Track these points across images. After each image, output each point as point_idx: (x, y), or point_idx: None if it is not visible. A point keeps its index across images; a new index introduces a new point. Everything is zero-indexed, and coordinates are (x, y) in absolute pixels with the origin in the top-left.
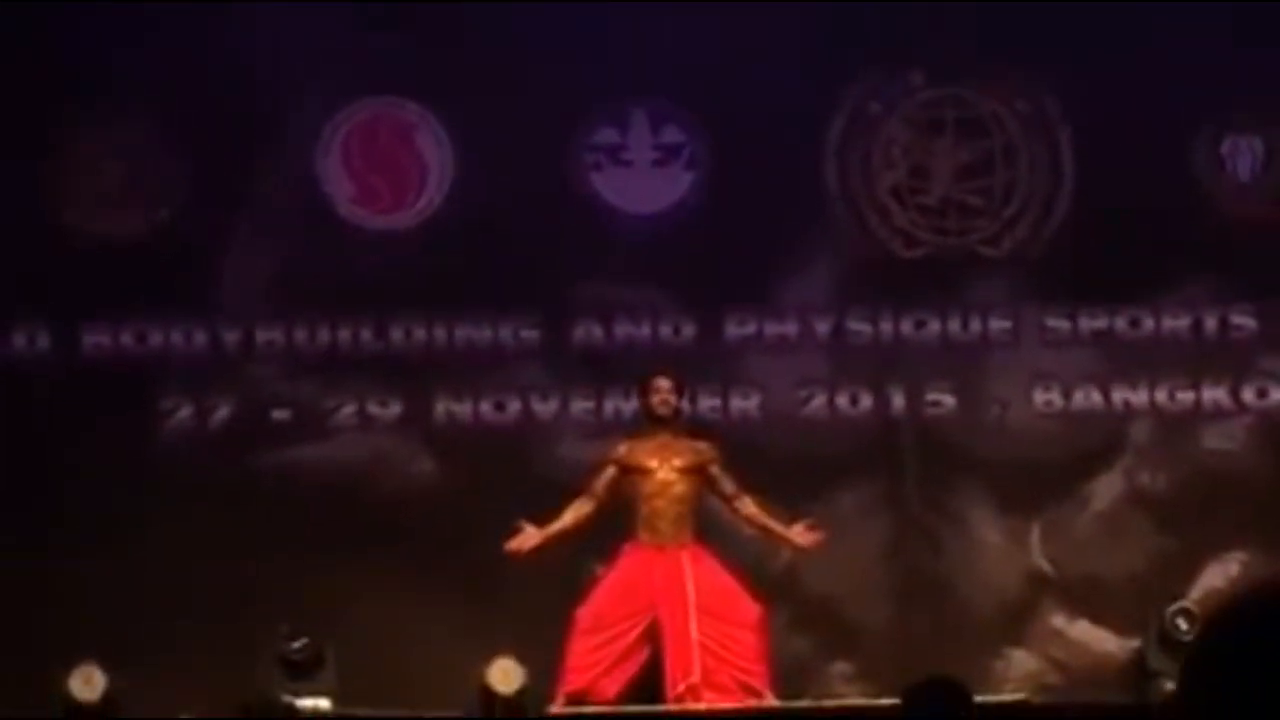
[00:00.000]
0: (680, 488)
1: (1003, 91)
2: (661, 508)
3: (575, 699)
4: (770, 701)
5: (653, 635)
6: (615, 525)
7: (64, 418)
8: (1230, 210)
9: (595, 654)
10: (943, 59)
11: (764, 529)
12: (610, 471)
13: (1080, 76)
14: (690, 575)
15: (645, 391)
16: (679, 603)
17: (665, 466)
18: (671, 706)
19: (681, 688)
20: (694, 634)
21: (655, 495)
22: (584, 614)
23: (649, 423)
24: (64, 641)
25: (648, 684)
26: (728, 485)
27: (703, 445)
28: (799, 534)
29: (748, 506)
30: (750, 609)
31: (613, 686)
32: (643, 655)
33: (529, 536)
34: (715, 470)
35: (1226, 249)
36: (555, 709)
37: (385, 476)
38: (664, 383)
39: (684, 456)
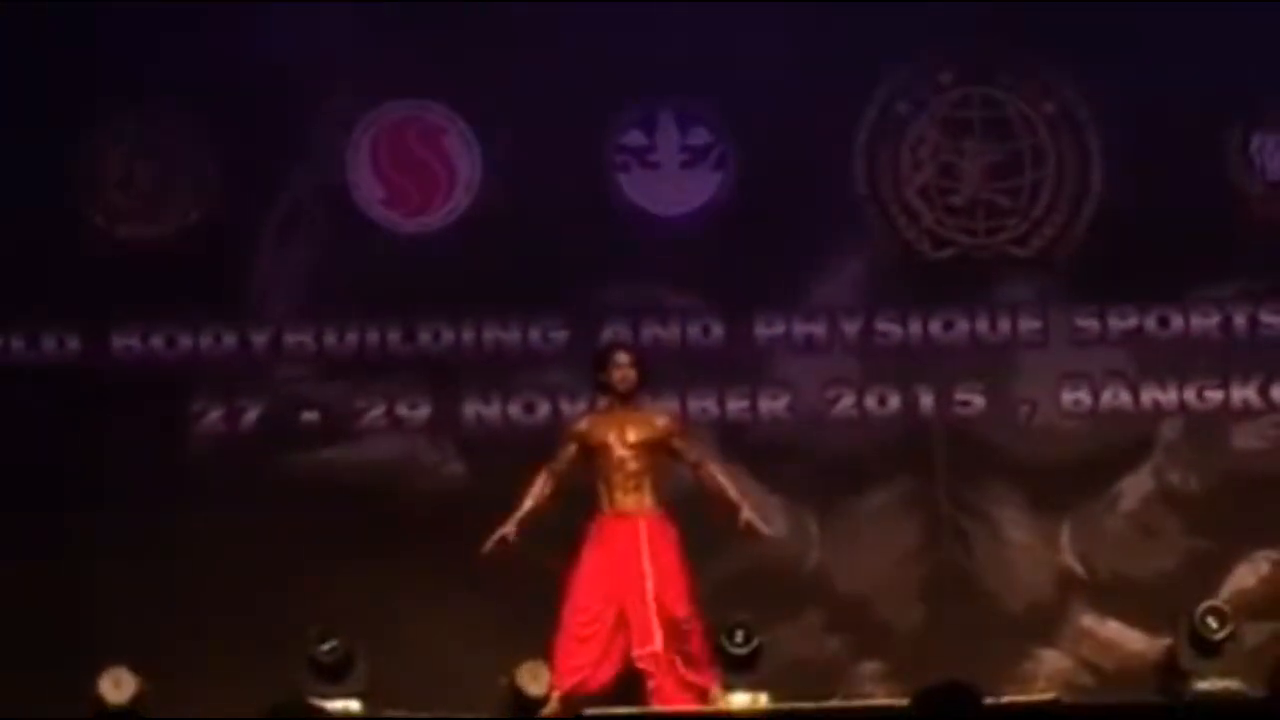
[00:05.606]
0: (634, 464)
1: (1031, 92)
2: (618, 481)
3: (568, 699)
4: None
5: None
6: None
7: (93, 421)
8: (1259, 209)
9: (579, 654)
10: (971, 59)
11: (718, 497)
12: (570, 449)
13: (1108, 76)
14: (646, 547)
15: (603, 365)
16: (635, 572)
17: (619, 442)
18: (692, 708)
19: (642, 652)
20: (650, 602)
21: (612, 470)
22: (567, 611)
23: (609, 397)
24: (93, 644)
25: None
26: (691, 453)
27: (662, 420)
28: (743, 516)
29: (708, 475)
30: (680, 607)
31: (600, 678)
32: (624, 642)
33: (504, 532)
34: (678, 443)
35: (1256, 247)
36: (549, 711)
37: (414, 478)
38: (624, 356)
39: (640, 430)
